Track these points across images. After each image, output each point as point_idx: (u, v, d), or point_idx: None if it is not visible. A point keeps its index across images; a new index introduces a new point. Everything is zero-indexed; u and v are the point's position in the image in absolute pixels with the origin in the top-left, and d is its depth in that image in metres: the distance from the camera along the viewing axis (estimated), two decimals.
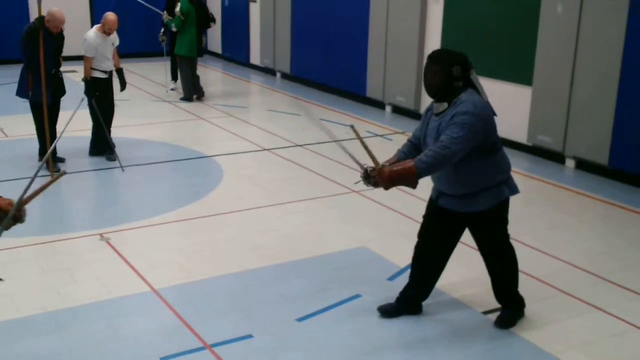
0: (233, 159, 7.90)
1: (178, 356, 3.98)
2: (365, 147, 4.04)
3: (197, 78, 10.86)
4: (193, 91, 10.80)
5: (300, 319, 4.40)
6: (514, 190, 4.19)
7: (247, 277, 5.01)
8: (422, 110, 9.76)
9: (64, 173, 3.33)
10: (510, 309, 4.43)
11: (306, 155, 8.06)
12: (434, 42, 9.46)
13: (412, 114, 9.94)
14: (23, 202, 2.94)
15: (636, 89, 6.94)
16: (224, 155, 8.03)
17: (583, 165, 7.63)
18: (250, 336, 4.20)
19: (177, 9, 10.33)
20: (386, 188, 4.03)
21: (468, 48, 8.89)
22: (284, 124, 9.66)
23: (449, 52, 4.06)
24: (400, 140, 8.84)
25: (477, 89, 4.04)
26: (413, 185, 3.99)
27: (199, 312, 4.47)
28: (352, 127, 4.20)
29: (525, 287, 4.71)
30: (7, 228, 2.93)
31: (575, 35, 7.42)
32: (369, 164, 4.13)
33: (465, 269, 5.08)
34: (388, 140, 8.88)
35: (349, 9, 10.88)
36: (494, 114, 4.08)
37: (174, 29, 10.48)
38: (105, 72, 7.67)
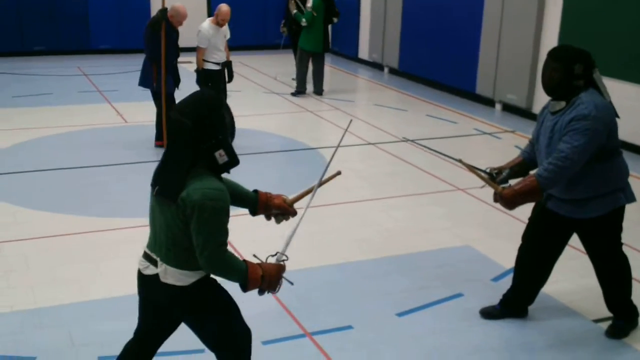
0: (338, 152, 7.91)
1: (279, 342, 4.05)
2: (481, 177, 3.90)
3: (321, 75, 10.80)
4: (306, 86, 10.81)
5: (400, 314, 4.37)
6: (631, 198, 3.95)
7: (349, 269, 5.03)
8: (535, 109, 9.45)
9: (339, 173, 3.52)
10: (622, 319, 4.22)
11: (411, 151, 7.98)
12: (550, 38, 9.11)
13: (523, 113, 9.64)
14: (294, 200, 3.37)
15: None
16: (330, 147, 8.08)
17: None
18: (350, 327, 4.22)
19: (309, 3, 10.40)
20: (510, 209, 3.88)
21: (588, 45, 8.53)
22: (390, 118, 9.61)
23: (571, 48, 3.84)
24: (509, 139, 8.60)
25: (599, 89, 3.81)
26: (539, 200, 3.85)
27: (302, 300, 4.53)
28: (460, 161, 4.07)
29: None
30: (278, 222, 3.35)
31: None
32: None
33: (576, 275, 4.88)
34: (497, 139, 8.66)
35: (462, 4, 10.67)
36: (617, 115, 3.86)
37: (304, 24, 10.48)
38: (217, 63, 7.90)
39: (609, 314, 4.28)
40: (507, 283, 4.78)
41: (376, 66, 13.28)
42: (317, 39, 10.48)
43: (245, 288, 2.88)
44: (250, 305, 4.46)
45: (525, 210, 5.80)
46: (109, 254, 5.18)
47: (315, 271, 4.96)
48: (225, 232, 2.78)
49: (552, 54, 3.83)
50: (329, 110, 9.93)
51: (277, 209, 3.33)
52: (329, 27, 11.10)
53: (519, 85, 9.60)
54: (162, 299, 2.93)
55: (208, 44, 7.81)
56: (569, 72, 3.73)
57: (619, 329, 4.19)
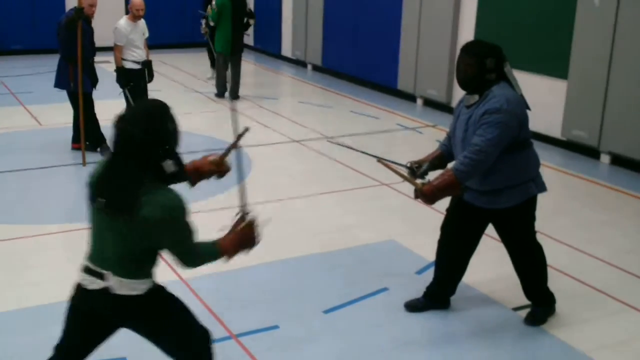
0: (262, 150, 7.89)
1: None
2: (400, 174, 3.94)
3: (235, 78, 10.32)
4: (224, 89, 10.49)
5: (326, 311, 4.38)
6: (542, 188, 4.06)
7: (274, 268, 5.00)
8: (454, 103, 9.64)
9: (247, 129, 3.62)
10: (540, 306, 4.35)
11: (336, 147, 8.02)
12: (467, 34, 9.33)
13: (444, 107, 9.83)
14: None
15: None
16: (253, 146, 8.02)
17: (618, 161, 7.48)
18: (276, 327, 4.20)
19: (214, 2, 10.22)
20: (431, 204, 3.93)
21: (502, 40, 8.79)
22: (314, 115, 9.63)
23: (483, 43, 3.96)
24: (430, 134, 8.76)
25: (510, 82, 3.92)
26: (458, 193, 3.92)
27: (227, 302, 4.47)
28: (379, 159, 4.13)
29: (557, 284, 4.64)
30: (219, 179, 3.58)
31: (613, 28, 7.26)
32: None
33: (495, 265, 5.00)
34: (419, 134, 8.80)
35: (381, 1, 10.79)
36: (528, 108, 3.97)
37: (211, 23, 10.30)
38: (137, 62, 7.72)
39: (528, 302, 4.41)
40: (431, 275, 4.85)
41: (299, 63, 13.30)
42: (226, 41, 10.06)
43: (227, 260, 3.00)
44: None
45: (448, 204, 5.90)
46: (20, 264, 4.98)
47: (240, 272, 4.90)
48: (193, 231, 2.81)
49: (465, 49, 3.92)
50: (252, 108, 9.86)
51: (210, 174, 3.51)
52: (250, 27, 10.93)
53: (439, 80, 9.79)
54: (112, 312, 2.82)
55: (126, 41, 7.62)
56: (482, 66, 3.83)
57: (536, 316, 4.31)
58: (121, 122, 2.71)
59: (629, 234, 5.77)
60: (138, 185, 2.66)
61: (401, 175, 3.95)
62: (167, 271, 4.83)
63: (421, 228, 5.77)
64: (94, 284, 2.80)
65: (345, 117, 9.57)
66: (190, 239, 2.80)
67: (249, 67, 13.22)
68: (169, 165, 2.75)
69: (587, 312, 4.46)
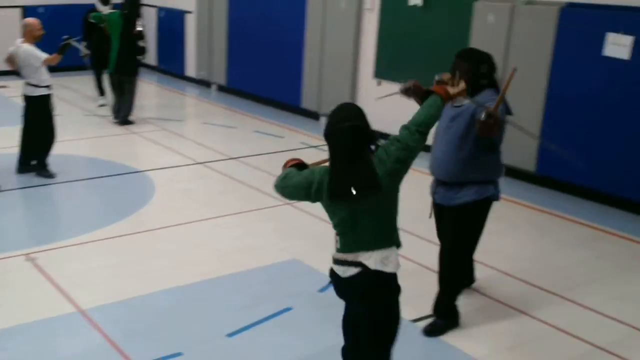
0: (166, 174, 7.81)
1: None
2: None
3: (124, 101, 9.90)
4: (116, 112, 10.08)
5: (230, 335, 4.37)
6: (498, 194, 4.34)
7: (176, 293, 4.95)
8: None
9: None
10: (443, 318, 4.50)
11: (241, 168, 8.03)
12: (368, 53, 9.56)
13: None
14: None
15: (563, 96, 7.16)
16: (157, 169, 7.92)
17: (510, 172, 7.80)
18: (179, 354, 4.16)
19: (105, 11, 9.91)
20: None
21: (402, 57, 9.10)
22: (219, 136, 9.60)
23: (478, 50, 4.33)
24: None
25: (498, 89, 4.22)
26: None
27: (127, 331, 4.40)
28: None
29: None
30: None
31: (506, 44, 7.60)
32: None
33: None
34: (323, 151, 8.90)
35: (284, 21, 10.91)
36: (510, 112, 4.26)
37: (91, 20, 9.85)
38: (48, 86, 7.31)
39: (426, 314, 4.55)
40: (334, 293, 4.93)
41: (204, 84, 13.22)
42: (112, 59, 9.79)
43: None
44: (73, 342, 4.28)
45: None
46: None
47: (140, 299, 4.83)
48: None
49: (462, 55, 4.27)
50: (155, 131, 9.73)
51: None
52: (145, 53, 10.66)
53: (342, 98, 9.96)
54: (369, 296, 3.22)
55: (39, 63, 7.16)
56: (477, 72, 4.18)
57: (436, 328, 4.48)
58: (347, 121, 3.15)
59: (520, 242, 6.05)
60: (372, 162, 3.13)
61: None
62: (62, 303, 4.72)
63: (324, 246, 5.82)
64: (348, 271, 3.20)
65: (249, 137, 9.59)
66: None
67: (152, 88, 13.05)
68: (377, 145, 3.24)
69: (481, 319, 4.64)
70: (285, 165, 3.48)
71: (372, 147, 3.21)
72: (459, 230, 4.37)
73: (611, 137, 6.81)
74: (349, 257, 3.22)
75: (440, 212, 4.47)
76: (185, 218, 6.41)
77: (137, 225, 6.26)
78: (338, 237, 3.29)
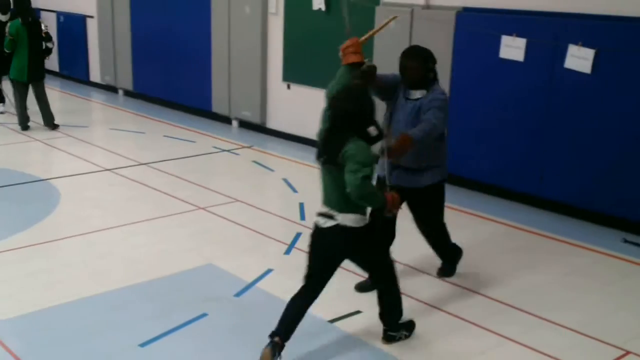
0: (71, 181, 7.52)
1: None
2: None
3: (43, 106, 9.75)
4: (27, 120, 9.81)
5: (143, 344, 4.23)
6: (446, 175, 4.96)
7: (85, 305, 4.76)
8: (269, 124, 9.82)
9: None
10: (448, 261, 5.32)
11: (151, 174, 7.83)
12: (276, 57, 9.54)
13: (259, 128, 9.96)
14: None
15: (465, 97, 7.36)
16: (62, 177, 7.62)
17: None
18: None
19: (7, 30, 9.55)
20: (397, 156, 4.45)
21: (308, 61, 9.14)
22: (127, 142, 9.34)
23: (422, 48, 4.83)
24: (247, 154, 8.83)
25: (438, 80, 4.81)
26: (406, 150, 4.41)
27: (33, 346, 4.19)
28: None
29: (371, 294, 4.85)
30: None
31: (408, 39, 7.73)
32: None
33: None
34: (235, 155, 8.83)
35: (189, 25, 10.74)
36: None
37: (7, 51, 9.58)
38: None
39: (344, 313, 4.57)
40: (249, 297, 4.90)
41: (110, 89, 12.86)
42: (21, 67, 9.46)
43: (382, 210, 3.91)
44: None
45: (263, 222, 6.03)
46: None
47: (47, 312, 4.61)
48: (370, 166, 3.70)
49: (410, 54, 4.76)
50: (61, 138, 9.37)
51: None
52: (51, 52, 10.31)
53: (252, 102, 9.91)
54: (339, 242, 3.90)
55: None
56: (425, 68, 4.68)
57: (447, 270, 5.31)
58: (336, 101, 3.80)
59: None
60: (343, 142, 3.67)
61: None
62: None
63: (239, 250, 5.78)
64: (326, 223, 3.86)
65: (159, 142, 9.38)
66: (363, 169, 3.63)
67: (55, 94, 12.55)
68: (372, 130, 3.70)
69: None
70: (346, 46, 4.33)
71: (371, 128, 3.71)
72: (436, 205, 5.02)
73: (511, 136, 7.06)
74: (325, 210, 3.91)
75: (406, 193, 4.74)
76: (93, 226, 6.18)
77: (42, 235, 5.99)
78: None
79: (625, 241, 6.09)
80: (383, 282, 4.31)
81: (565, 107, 6.61)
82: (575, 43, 6.35)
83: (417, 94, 4.71)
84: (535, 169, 6.88)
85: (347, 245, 3.94)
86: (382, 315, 4.34)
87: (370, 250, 4.11)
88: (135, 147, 9.03)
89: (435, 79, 4.77)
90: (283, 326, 3.98)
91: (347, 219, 3.82)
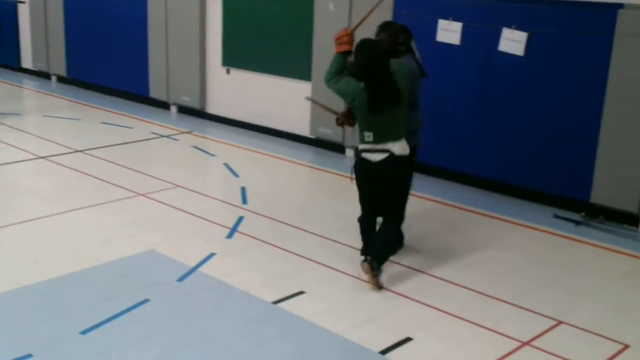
0: (4, 170, 7.31)
1: None
2: (326, 108, 5.38)
3: None
4: None
5: (84, 332, 4.18)
6: (420, 141, 5.26)
7: (23, 294, 4.66)
8: (208, 109, 9.75)
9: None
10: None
11: (87, 161, 7.68)
12: (215, 41, 9.46)
13: (199, 113, 9.88)
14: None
15: None
16: None
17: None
18: (29, 356, 3.92)
19: None
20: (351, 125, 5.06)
21: (249, 45, 9.10)
22: (62, 129, 9.13)
23: (395, 23, 5.29)
24: (187, 140, 8.75)
25: (414, 54, 5.09)
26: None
27: None
28: (307, 98, 6.08)
29: (311, 272, 4.92)
30: None
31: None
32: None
33: (246, 262, 5.16)
34: (174, 141, 8.74)
35: (125, 8, 10.52)
36: (426, 75, 5.15)
37: None
38: None
39: (286, 295, 4.61)
40: (192, 282, 4.89)
41: (43, 75, 12.50)
42: None
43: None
44: None
45: (206, 208, 6.02)
46: None
47: None
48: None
49: (383, 26, 5.17)
50: None
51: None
52: None
53: (191, 87, 9.80)
54: (395, 169, 4.77)
55: None
56: (395, 41, 5.04)
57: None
58: (373, 62, 4.67)
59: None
60: (392, 78, 4.68)
61: (328, 110, 5.31)
62: None
63: (180, 235, 5.75)
64: (379, 156, 4.71)
65: (96, 128, 9.20)
66: None
67: None
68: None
69: (341, 295, 4.77)
70: (340, 46, 4.88)
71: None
72: (405, 173, 5.16)
73: (448, 117, 7.21)
74: (378, 147, 4.69)
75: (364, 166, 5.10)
76: (29, 215, 6.04)
77: None
78: (367, 133, 4.72)
79: (557, 217, 6.32)
80: (398, 221, 5.09)
81: (500, 88, 6.79)
82: (509, 26, 6.52)
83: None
84: (471, 148, 7.05)
85: (399, 166, 4.77)
86: (375, 255, 4.84)
87: (404, 182, 5.05)
88: (70, 135, 8.83)
89: (407, 52, 5.08)
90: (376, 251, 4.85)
91: (398, 147, 4.71)
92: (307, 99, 6.19)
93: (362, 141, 4.78)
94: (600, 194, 6.23)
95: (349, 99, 4.80)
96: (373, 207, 4.94)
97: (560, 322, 4.48)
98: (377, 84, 4.62)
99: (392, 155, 4.70)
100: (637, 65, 5.88)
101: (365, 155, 4.77)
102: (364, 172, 4.83)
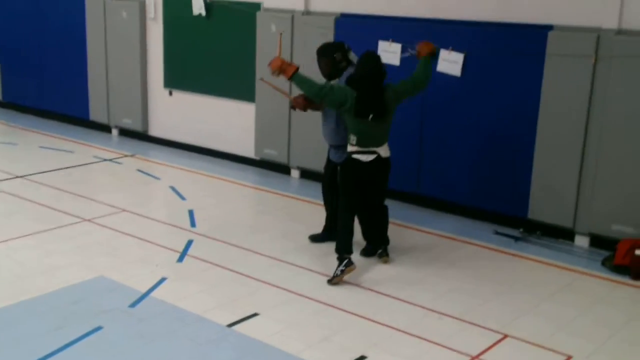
0: None
1: None
2: (279, 90, 6.05)
3: None
4: None
5: None
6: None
7: None
8: (151, 131, 9.69)
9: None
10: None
11: (28, 187, 7.54)
12: (157, 62, 9.44)
13: (141, 136, 9.81)
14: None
15: None
16: None
17: (306, 174, 8.19)
18: None
19: None
20: (303, 110, 5.92)
21: (190, 67, 9.11)
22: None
23: (330, 44, 5.84)
24: (130, 163, 8.68)
25: (355, 65, 5.51)
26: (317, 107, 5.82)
27: None
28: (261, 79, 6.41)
29: (260, 293, 4.97)
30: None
31: (290, 52, 7.93)
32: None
33: (209, 286, 5.18)
34: (117, 164, 8.66)
35: (63, 30, 10.38)
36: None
37: None
38: None
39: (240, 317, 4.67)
40: (144, 307, 4.88)
41: None
42: None
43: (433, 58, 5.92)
44: None
45: (153, 231, 6.00)
46: None
47: None
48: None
49: (320, 52, 5.71)
50: None
51: None
52: None
53: (133, 109, 9.74)
54: (383, 168, 5.55)
55: None
56: (334, 61, 5.65)
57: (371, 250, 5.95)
58: (371, 69, 5.35)
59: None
60: (382, 94, 5.39)
61: (280, 90, 5.96)
62: None
63: (130, 260, 5.72)
64: (370, 156, 5.41)
65: (35, 153, 9.02)
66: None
67: None
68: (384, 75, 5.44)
69: (297, 316, 4.84)
70: (287, 70, 5.38)
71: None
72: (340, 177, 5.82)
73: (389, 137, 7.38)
74: (367, 149, 5.38)
75: (328, 164, 5.97)
76: None
77: None
78: (356, 137, 5.36)
79: (497, 233, 6.57)
80: (384, 208, 5.84)
81: (439, 107, 7.03)
82: (446, 48, 6.77)
83: (333, 82, 5.62)
84: (413, 167, 7.25)
85: (385, 165, 5.56)
86: (382, 236, 5.88)
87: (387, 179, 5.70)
88: (8, 160, 8.64)
89: (346, 68, 5.64)
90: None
91: (383, 150, 5.46)
92: (261, 80, 6.43)
93: (350, 143, 5.42)
94: (537, 210, 6.51)
95: (341, 102, 5.32)
96: (361, 200, 5.66)
97: (506, 336, 4.67)
98: (367, 94, 5.28)
99: (379, 157, 5.42)
100: (567, 84, 6.19)
101: (355, 156, 5.42)
102: (354, 170, 5.47)
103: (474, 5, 6.76)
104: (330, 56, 5.65)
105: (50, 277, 5.34)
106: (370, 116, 5.28)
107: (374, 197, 5.72)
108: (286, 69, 5.38)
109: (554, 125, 6.33)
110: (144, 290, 5.13)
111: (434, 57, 5.70)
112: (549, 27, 6.31)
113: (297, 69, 5.39)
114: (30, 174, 7.99)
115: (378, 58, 5.45)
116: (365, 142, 5.39)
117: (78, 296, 5.04)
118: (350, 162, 5.48)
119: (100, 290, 5.17)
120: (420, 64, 5.66)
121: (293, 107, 5.98)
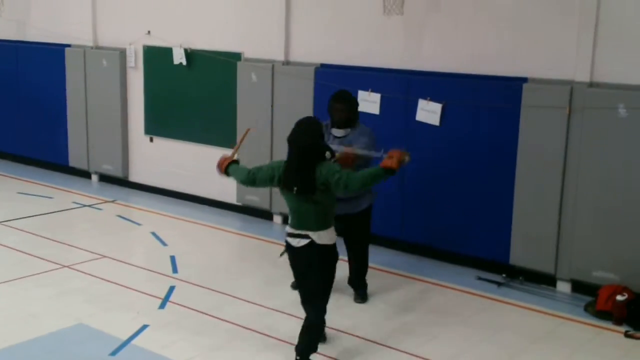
0: None
1: None
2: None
3: None
4: None
5: None
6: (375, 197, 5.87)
7: None
8: (132, 177, 9.65)
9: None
10: (362, 288, 5.97)
11: (6, 232, 7.44)
12: (137, 109, 9.46)
13: (121, 182, 9.76)
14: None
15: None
16: None
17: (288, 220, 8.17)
18: None
19: None
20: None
21: (171, 114, 9.14)
22: None
23: (348, 93, 5.85)
24: (110, 209, 8.61)
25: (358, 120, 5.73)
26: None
27: None
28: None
29: (242, 338, 4.91)
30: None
31: (270, 101, 8.02)
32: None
33: (181, 332, 5.10)
34: (98, 210, 8.59)
35: (42, 76, 10.38)
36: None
37: None
38: None
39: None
40: (125, 355, 4.80)
41: None
42: None
43: (390, 174, 4.45)
44: None
45: (133, 277, 5.94)
46: None
47: None
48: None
49: (343, 98, 5.75)
50: None
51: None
52: None
53: (113, 155, 9.71)
54: (315, 257, 4.52)
55: None
56: (353, 110, 5.74)
57: (362, 295, 5.93)
58: (297, 136, 4.51)
59: None
60: (313, 170, 4.40)
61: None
62: None
63: (110, 307, 5.63)
64: (300, 242, 4.50)
65: (13, 199, 8.92)
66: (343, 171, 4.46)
67: None
68: (327, 155, 4.50)
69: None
70: (222, 165, 4.89)
71: (327, 154, 4.48)
72: (365, 227, 5.89)
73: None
74: (297, 232, 4.51)
75: (345, 219, 5.46)
76: None
77: None
78: (290, 216, 4.63)
79: (479, 278, 6.59)
80: (314, 318, 4.66)
81: (419, 156, 7.05)
82: (425, 98, 6.88)
83: (341, 132, 5.65)
84: (396, 213, 7.29)
85: (320, 256, 4.55)
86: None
87: (326, 274, 4.66)
88: None
89: (358, 118, 5.77)
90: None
91: (320, 237, 4.50)
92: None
93: (288, 223, 4.66)
94: (519, 256, 6.55)
95: (270, 177, 4.58)
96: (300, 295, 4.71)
97: None
98: (290, 163, 4.50)
99: (312, 243, 4.47)
100: (543, 134, 6.31)
101: (287, 238, 4.59)
102: (289, 255, 4.64)
103: (451, 58, 6.90)
104: (353, 104, 5.80)
105: (27, 324, 5.23)
106: (294, 189, 4.42)
107: (303, 294, 4.67)
108: (222, 163, 4.91)
109: (531, 173, 6.41)
110: (124, 337, 5.04)
111: (392, 174, 4.42)
112: (523, 80, 6.46)
113: (233, 162, 4.89)
114: (9, 220, 7.89)
115: (314, 126, 4.56)
116: (295, 223, 4.54)
117: (56, 344, 4.95)
118: (285, 246, 4.67)
119: (80, 339, 5.07)
120: (371, 171, 4.47)
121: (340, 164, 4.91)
